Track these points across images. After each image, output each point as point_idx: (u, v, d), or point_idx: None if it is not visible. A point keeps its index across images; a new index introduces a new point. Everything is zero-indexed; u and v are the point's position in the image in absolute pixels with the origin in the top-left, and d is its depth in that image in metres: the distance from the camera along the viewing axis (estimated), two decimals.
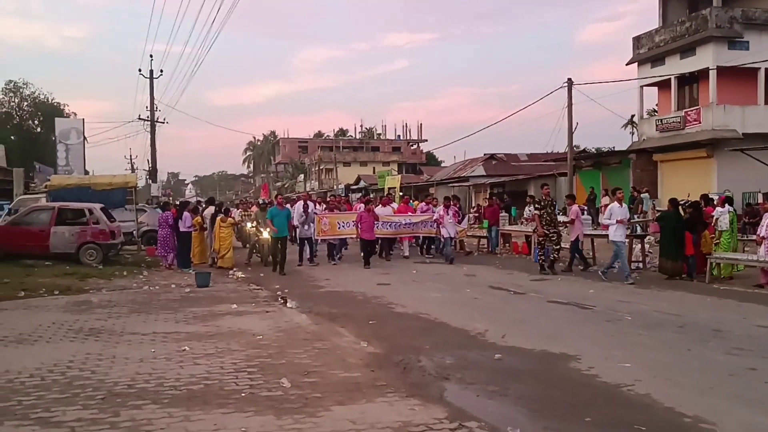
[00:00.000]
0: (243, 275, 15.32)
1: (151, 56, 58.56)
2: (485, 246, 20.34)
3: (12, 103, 51.15)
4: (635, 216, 25.22)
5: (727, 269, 13.15)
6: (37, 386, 5.72)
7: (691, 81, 26.84)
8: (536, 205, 15.57)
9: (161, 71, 37.66)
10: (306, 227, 16.87)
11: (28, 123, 52.08)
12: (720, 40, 24.73)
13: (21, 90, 50.94)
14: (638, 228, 20.92)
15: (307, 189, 70.27)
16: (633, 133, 66.97)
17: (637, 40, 28.93)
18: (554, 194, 22.98)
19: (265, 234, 16.55)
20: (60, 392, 5.53)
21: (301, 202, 17.83)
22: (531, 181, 36.08)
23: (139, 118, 38.69)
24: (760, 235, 12.06)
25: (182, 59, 53.37)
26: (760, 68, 24.61)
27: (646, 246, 16.06)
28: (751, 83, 25.22)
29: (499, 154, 47.27)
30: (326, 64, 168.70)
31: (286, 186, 76.24)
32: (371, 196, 35.36)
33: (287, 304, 10.58)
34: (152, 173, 39.60)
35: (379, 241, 18.12)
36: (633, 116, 65.33)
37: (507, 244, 20.57)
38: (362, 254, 16.59)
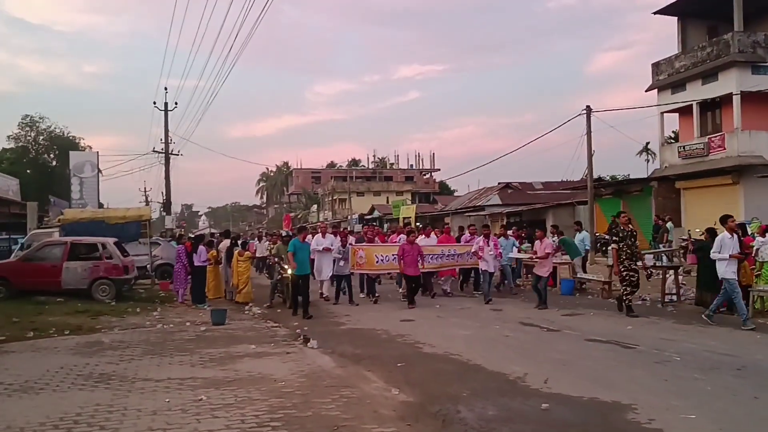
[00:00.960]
0: (260, 311, 14.75)
1: (165, 89, 58.70)
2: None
3: (28, 138, 51.30)
4: (660, 245, 24.62)
5: None
6: None
7: (713, 107, 26.28)
8: (614, 237, 13.00)
9: (176, 104, 37.43)
10: (342, 263, 15.39)
11: (43, 157, 52.20)
12: (743, 65, 24.20)
13: (37, 124, 51.15)
14: (665, 258, 20.35)
15: (321, 219, 70.00)
16: (648, 161, 66.59)
17: (657, 66, 28.47)
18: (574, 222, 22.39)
19: (289, 271, 14.17)
20: None
21: (318, 235, 15.88)
22: (549, 209, 35.50)
23: (154, 151, 38.68)
24: None
25: (196, 92, 53.71)
26: None
27: (680, 277, 15.34)
28: None
29: (515, 183, 46.78)
30: (339, 96, 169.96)
31: (299, 216, 75.94)
32: (413, 225, 32.90)
33: (308, 344, 9.98)
34: (166, 205, 39.35)
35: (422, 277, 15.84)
36: (648, 143, 65.09)
37: (529, 275, 19.88)
38: (403, 292, 15.17)
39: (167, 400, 6.56)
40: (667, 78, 27.70)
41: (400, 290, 16.93)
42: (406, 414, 6.07)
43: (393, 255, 15.53)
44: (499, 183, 46.94)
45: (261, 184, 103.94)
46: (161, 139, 37.38)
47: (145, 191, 64.38)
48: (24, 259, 16.49)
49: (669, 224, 25.15)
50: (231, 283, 16.82)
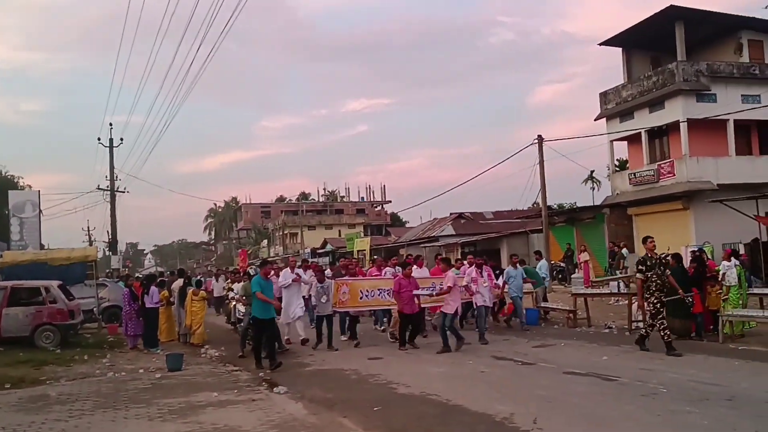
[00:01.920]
0: (217, 353, 13.98)
1: (110, 125, 57.30)
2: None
3: None
4: (617, 272, 24.82)
5: (738, 326, 12.44)
6: None
7: (661, 134, 26.89)
8: (639, 266, 11.18)
9: (121, 140, 36.33)
10: (324, 299, 13.68)
11: None
12: (688, 93, 24.88)
13: None
14: (621, 285, 20.39)
15: (272, 254, 68.82)
16: (594, 188, 68.08)
17: (605, 96, 29.08)
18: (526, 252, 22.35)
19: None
20: None
21: (286, 269, 14.69)
22: (504, 239, 35.63)
23: (98, 188, 37.34)
24: None
25: (143, 129, 52.35)
26: (728, 120, 24.76)
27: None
28: (720, 135, 25.31)
29: (467, 213, 46.96)
30: (287, 130, 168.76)
31: (249, 252, 74.53)
32: (368, 258, 30.07)
33: (274, 389, 9.36)
34: (112, 245, 37.90)
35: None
36: (593, 171, 66.63)
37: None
38: (392, 330, 13.90)
39: None
40: (615, 107, 28.29)
41: (380, 329, 15.85)
42: None
43: (379, 290, 14.13)
44: (451, 213, 47.03)
45: (209, 220, 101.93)
46: (106, 176, 36.22)
47: (88, 230, 62.29)
48: None
49: (624, 250, 25.43)
50: (184, 325, 15.99)
